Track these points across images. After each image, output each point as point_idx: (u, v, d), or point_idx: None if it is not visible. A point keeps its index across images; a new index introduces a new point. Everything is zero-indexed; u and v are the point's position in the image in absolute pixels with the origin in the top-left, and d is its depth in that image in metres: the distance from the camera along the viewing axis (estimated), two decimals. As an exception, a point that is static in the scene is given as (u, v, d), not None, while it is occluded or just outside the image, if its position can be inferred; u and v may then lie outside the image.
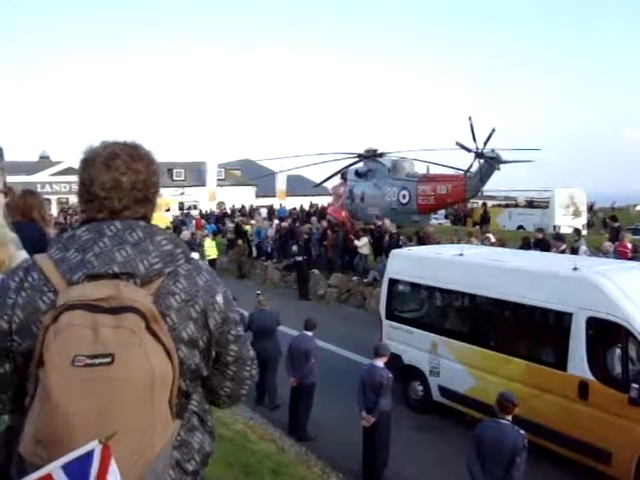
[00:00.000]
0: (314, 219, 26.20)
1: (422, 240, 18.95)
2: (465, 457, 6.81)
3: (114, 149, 1.89)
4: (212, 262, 25.16)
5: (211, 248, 26.41)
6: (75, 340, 1.60)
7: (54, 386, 1.56)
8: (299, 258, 22.33)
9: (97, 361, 1.58)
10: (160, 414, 1.67)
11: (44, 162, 53.48)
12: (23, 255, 2.46)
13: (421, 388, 11.11)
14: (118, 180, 1.85)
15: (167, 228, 26.99)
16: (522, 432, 6.37)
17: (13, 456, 1.70)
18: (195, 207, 46.53)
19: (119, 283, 1.72)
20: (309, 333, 10.49)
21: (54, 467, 1.44)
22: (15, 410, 1.87)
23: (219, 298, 1.91)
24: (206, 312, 1.86)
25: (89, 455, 1.45)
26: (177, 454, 1.84)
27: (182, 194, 43.43)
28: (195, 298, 1.85)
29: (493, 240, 18.61)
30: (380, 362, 8.83)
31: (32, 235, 2.68)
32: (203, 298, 1.86)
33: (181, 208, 44.24)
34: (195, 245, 26.50)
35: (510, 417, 6.59)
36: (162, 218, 28.76)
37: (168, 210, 36.58)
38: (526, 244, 16.73)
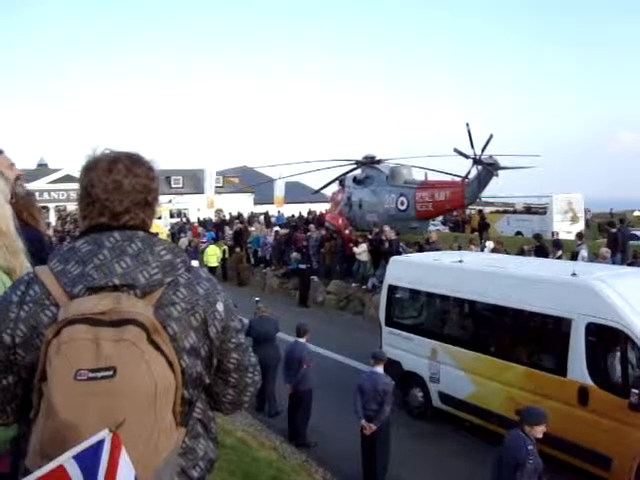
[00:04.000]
0: (312, 226, 26.22)
1: (422, 247, 18.96)
2: (465, 463, 6.79)
3: (115, 155, 1.92)
4: (212, 270, 25.20)
5: (213, 255, 26.42)
6: (77, 354, 1.61)
7: (57, 401, 1.57)
8: (302, 266, 22.35)
9: (99, 375, 1.59)
10: (164, 423, 1.68)
11: (42, 170, 53.40)
12: (28, 264, 2.48)
13: (421, 394, 11.10)
14: (119, 182, 1.87)
15: (167, 236, 27.01)
16: (529, 447, 6.20)
17: (19, 466, 1.71)
18: (185, 215, 46.42)
19: (120, 295, 1.73)
20: (302, 340, 10.51)
21: (66, 458, 1.45)
22: (21, 421, 1.88)
23: (219, 306, 1.92)
24: (207, 321, 1.87)
25: (99, 444, 1.46)
26: (182, 461, 1.86)
27: (170, 202, 43.24)
28: (196, 307, 1.85)
29: (492, 247, 18.63)
30: (380, 369, 8.82)
31: (30, 239, 2.68)
32: (203, 307, 1.87)
33: (172, 215, 44.15)
34: (194, 253, 26.55)
35: (531, 430, 6.42)
36: (156, 226, 28.73)
37: (159, 218, 36.51)
38: (521, 253, 16.75)
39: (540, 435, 6.43)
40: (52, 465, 1.45)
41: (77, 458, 1.45)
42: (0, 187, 2.52)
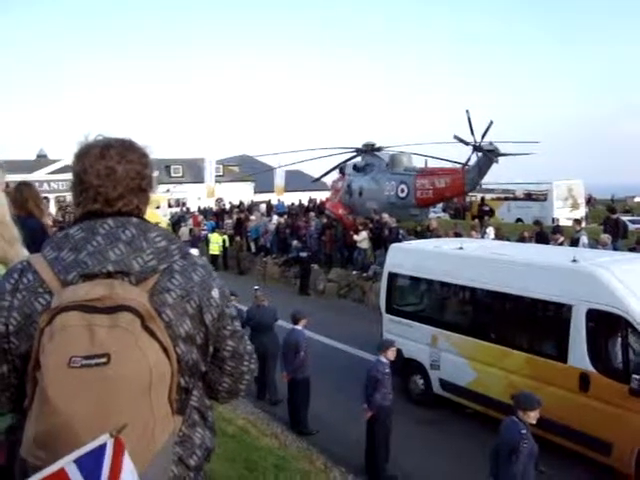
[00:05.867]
0: (312, 214, 26.19)
1: (422, 234, 18.94)
2: (469, 449, 6.79)
3: (108, 141, 1.91)
4: (214, 258, 25.27)
5: (215, 244, 26.47)
6: (70, 341, 1.60)
7: (51, 388, 1.56)
8: (303, 254, 22.36)
9: (93, 362, 1.57)
10: (160, 411, 1.66)
11: (42, 160, 53.32)
12: (25, 253, 2.46)
13: (422, 382, 11.13)
14: (112, 168, 1.85)
15: (167, 226, 26.96)
16: (523, 432, 6.22)
17: (16, 456, 1.70)
18: (184, 204, 46.34)
19: (113, 282, 1.72)
20: (298, 327, 10.51)
21: (66, 462, 1.43)
22: (16, 410, 1.87)
23: (215, 293, 1.90)
24: (202, 307, 1.85)
25: (101, 449, 1.44)
26: (179, 450, 1.85)
27: (168, 191, 43.12)
28: (191, 294, 1.84)
29: (492, 236, 18.62)
30: (382, 357, 8.85)
31: (32, 229, 2.67)
32: (199, 293, 1.85)
33: (170, 205, 44.08)
34: (196, 241, 26.59)
35: (524, 416, 6.44)
36: (154, 215, 28.68)
37: (158, 207, 36.40)
38: (522, 239, 16.72)
39: (533, 421, 6.45)
40: (53, 468, 1.44)
41: (78, 462, 1.43)
42: None
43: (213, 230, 29.13)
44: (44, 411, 1.56)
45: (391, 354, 8.92)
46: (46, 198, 39.90)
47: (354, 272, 21.16)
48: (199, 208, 40.22)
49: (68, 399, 1.54)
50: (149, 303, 1.72)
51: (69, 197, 47.65)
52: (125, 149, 1.90)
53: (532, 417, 6.45)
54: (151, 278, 1.78)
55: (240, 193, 47.62)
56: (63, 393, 1.55)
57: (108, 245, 1.78)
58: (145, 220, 1.92)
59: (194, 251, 2.53)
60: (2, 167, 2.59)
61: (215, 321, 1.89)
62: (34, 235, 2.67)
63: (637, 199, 47.58)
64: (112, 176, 1.85)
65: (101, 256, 1.75)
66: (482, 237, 18.02)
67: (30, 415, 1.63)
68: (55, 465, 1.44)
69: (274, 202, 38.45)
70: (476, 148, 20.26)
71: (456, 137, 20.55)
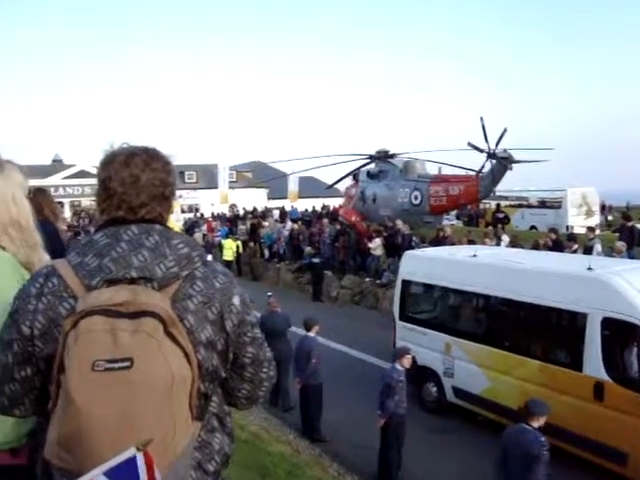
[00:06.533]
0: (325, 221, 26.22)
1: (438, 241, 18.89)
2: (480, 458, 6.78)
3: (133, 149, 1.94)
4: (227, 264, 25.32)
5: (229, 249, 26.52)
6: (95, 345, 1.62)
7: (75, 391, 1.58)
8: (315, 260, 22.36)
9: (116, 365, 1.60)
10: (180, 416, 1.68)
11: (57, 165, 53.79)
12: (47, 258, 2.49)
13: (435, 389, 11.10)
14: (137, 176, 1.88)
15: (180, 231, 27.14)
16: (542, 439, 6.25)
17: (37, 457, 1.73)
18: (197, 209, 46.57)
19: (136, 288, 1.74)
20: (310, 334, 10.55)
21: (96, 474, 1.45)
22: (38, 413, 1.90)
23: (236, 300, 1.92)
24: (223, 314, 1.87)
25: (132, 462, 1.46)
26: (198, 455, 1.87)
27: (180, 197, 43.35)
28: (212, 300, 1.86)
29: (508, 241, 18.53)
30: (398, 364, 8.84)
31: (47, 234, 2.71)
32: (220, 300, 1.87)
33: (183, 211, 44.29)
34: (209, 247, 26.69)
35: (535, 424, 6.46)
36: (169, 221, 28.90)
37: (171, 213, 36.47)
38: (536, 247, 16.62)
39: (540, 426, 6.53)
40: (84, 479, 1.46)
41: (109, 475, 1.45)
42: (20, 182, 2.54)
43: (227, 236, 29.24)
44: (68, 413, 1.59)
45: (406, 362, 8.91)
46: (61, 203, 40.28)
47: (367, 279, 21.13)
48: (212, 214, 40.37)
49: (91, 402, 1.57)
50: (171, 309, 1.74)
51: (84, 202, 48.06)
52: (149, 157, 1.93)
53: (541, 423, 6.49)
54: (173, 284, 1.80)
55: (254, 199, 47.75)
56: (87, 396, 1.57)
57: (132, 251, 1.80)
58: (168, 227, 1.95)
59: (208, 257, 2.56)
60: (24, 172, 2.63)
61: (236, 327, 1.91)
62: (49, 240, 2.70)
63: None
64: (136, 184, 1.88)
65: (125, 262, 1.78)
66: (497, 245, 17.93)
67: (54, 417, 1.65)
68: (85, 477, 1.46)
69: (288, 208, 38.52)
70: (490, 155, 20.19)
71: (470, 144, 20.50)
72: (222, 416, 2.00)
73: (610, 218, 35.79)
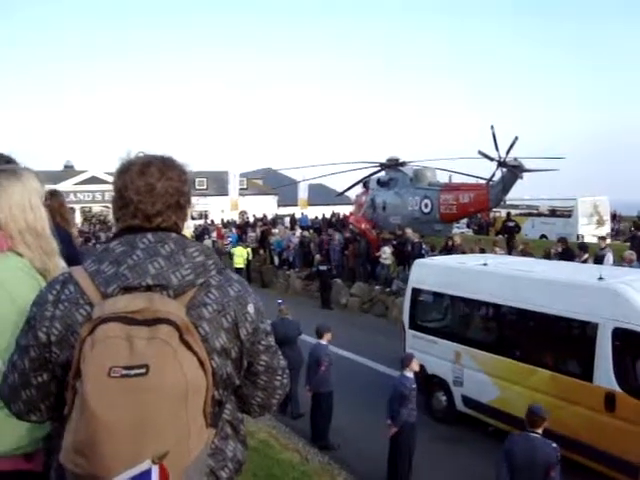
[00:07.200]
0: (333, 231, 26.22)
1: (448, 249, 18.84)
2: (490, 468, 6.76)
3: (149, 158, 1.96)
4: (238, 271, 25.29)
5: (240, 257, 26.52)
6: (111, 352, 1.63)
7: (91, 397, 1.59)
8: (323, 267, 22.38)
9: (132, 372, 1.61)
10: (195, 423, 1.69)
11: (68, 171, 54.06)
12: (63, 264, 2.51)
13: (445, 398, 11.06)
14: (152, 185, 1.90)
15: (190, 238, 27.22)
16: (554, 445, 6.29)
17: (52, 463, 1.74)
18: (207, 216, 46.74)
19: (152, 295, 1.76)
20: (322, 341, 10.53)
21: None
22: (54, 419, 1.91)
23: (250, 308, 1.93)
24: (237, 322, 1.88)
25: (147, 475, 1.47)
26: (211, 462, 1.87)
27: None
28: (227, 308, 1.87)
29: (520, 249, 18.47)
30: (407, 372, 8.82)
31: (62, 240, 2.72)
32: (235, 308, 1.88)
33: (192, 218, 44.43)
34: (219, 254, 26.71)
35: (540, 430, 6.50)
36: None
37: (186, 221, 36.58)
38: (547, 256, 16.56)
39: None
40: None
41: None
42: (36, 188, 2.56)
43: (237, 243, 29.28)
44: (84, 419, 1.60)
45: (415, 365, 8.91)
46: (72, 209, 40.45)
47: (377, 287, 21.13)
48: (222, 221, 40.47)
49: (107, 408, 1.58)
50: (187, 316, 1.75)
51: (95, 208, 48.21)
52: (165, 166, 1.95)
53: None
54: (189, 292, 1.82)
55: (264, 206, 47.84)
56: (103, 402, 1.58)
57: (148, 259, 1.82)
58: (183, 236, 1.96)
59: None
60: (40, 179, 2.65)
61: (250, 336, 1.92)
62: (64, 246, 2.72)
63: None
64: (152, 192, 1.90)
65: (141, 270, 1.80)
66: (509, 254, 17.87)
67: (69, 423, 1.66)
68: None
69: (298, 215, 38.58)
70: (501, 164, 20.16)
71: (481, 152, 20.47)
72: (235, 423, 2.01)
73: (620, 227, 35.65)
